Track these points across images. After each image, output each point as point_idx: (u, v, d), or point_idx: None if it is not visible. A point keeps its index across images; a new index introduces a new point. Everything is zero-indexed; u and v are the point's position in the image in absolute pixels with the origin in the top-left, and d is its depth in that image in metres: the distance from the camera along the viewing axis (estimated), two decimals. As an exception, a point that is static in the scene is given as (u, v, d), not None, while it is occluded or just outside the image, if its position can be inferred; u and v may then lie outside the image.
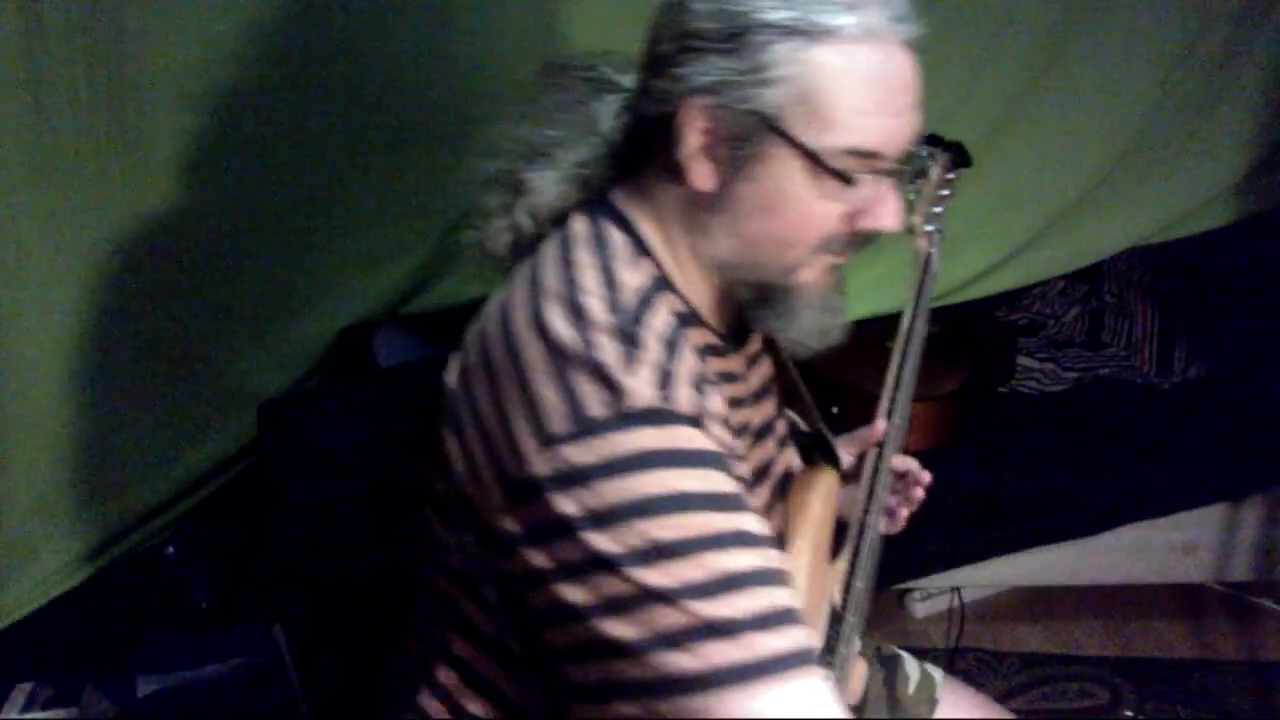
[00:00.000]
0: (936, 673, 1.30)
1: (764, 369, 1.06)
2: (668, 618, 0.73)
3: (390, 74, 1.47)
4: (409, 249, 1.65)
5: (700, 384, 0.82)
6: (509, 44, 1.50)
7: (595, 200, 0.92)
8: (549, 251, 0.89)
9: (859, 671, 1.20)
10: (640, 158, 0.92)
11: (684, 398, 0.80)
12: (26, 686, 1.78)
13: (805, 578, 0.99)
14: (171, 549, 1.83)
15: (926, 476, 1.21)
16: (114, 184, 1.42)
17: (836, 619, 1.05)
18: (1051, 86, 1.77)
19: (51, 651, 1.78)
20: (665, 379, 0.79)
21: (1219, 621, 2.38)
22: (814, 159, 0.83)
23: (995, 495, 2.21)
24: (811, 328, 0.92)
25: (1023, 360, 2.59)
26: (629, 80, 0.94)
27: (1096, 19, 1.74)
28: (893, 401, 1.18)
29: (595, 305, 0.82)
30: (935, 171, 1.44)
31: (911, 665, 1.31)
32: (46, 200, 1.40)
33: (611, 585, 0.75)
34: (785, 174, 0.84)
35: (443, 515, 0.92)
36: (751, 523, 0.78)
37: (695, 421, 0.80)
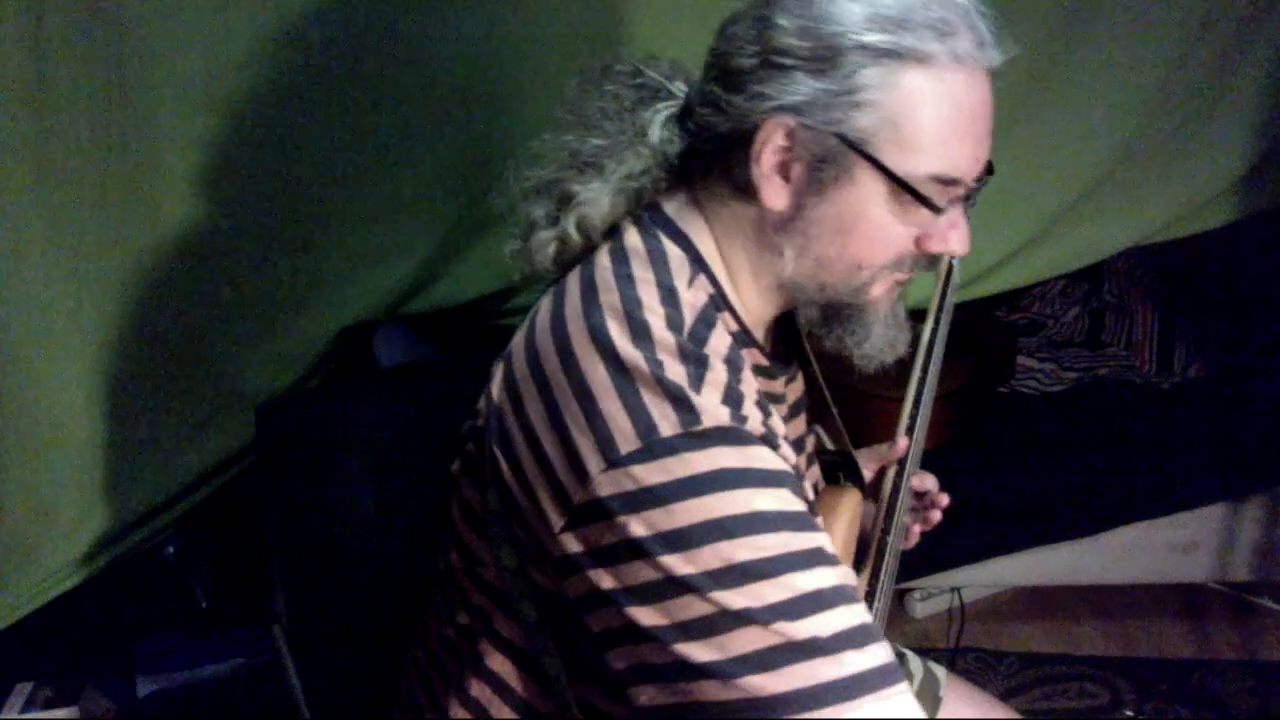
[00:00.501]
0: (940, 671, 1.30)
1: (798, 386, 1.06)
2: (755, 640, 0.72)
3: (391, 74, 1.47)
4: (409, 249, 1.65)
5: (764, 405, 0.82)
6: (510, 45, 1.50)
7: (649, 212, 0.91)
8: (603, 263, 0.87)
9: None
10: (698, 171, 0.91)
11: (753, 418, 0.79)
12: (26, 686, 1.78)
13: None
14: (171, 549, 1.83)
15: (945, 499, 1.21)
16: (114, 184, 1.42)
17: None
18: (1051, 86, 1.77)
19: (51, 651, 1.78)
20: (734, 399, 0.79)
21: (1219, 621, 2.38)
22: (901, 184, 0.83)
23: (995, 495, 2.21)
24: (880, 343, 0.92)
25: (1023, 360, 2.59)
26: (678, 87, 0.93)
27: (1097, 19, 1.74)
28: (913, 418, 1.15)
29: (657, 323, 0.81)
30: None
31: (915, 664, 1.30)
32: (47, 201, 1.40)
33: (690, 608, 0.73)
34: (866, 197, 0.84)
35: (477, 526, 0.91)
36: (825, 541, 0.78)
37: (766, 441, 0.79)
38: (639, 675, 0.77)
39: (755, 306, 0.92)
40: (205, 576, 1.89)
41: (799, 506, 0.77)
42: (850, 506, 1.06)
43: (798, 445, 1.03)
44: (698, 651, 0.73)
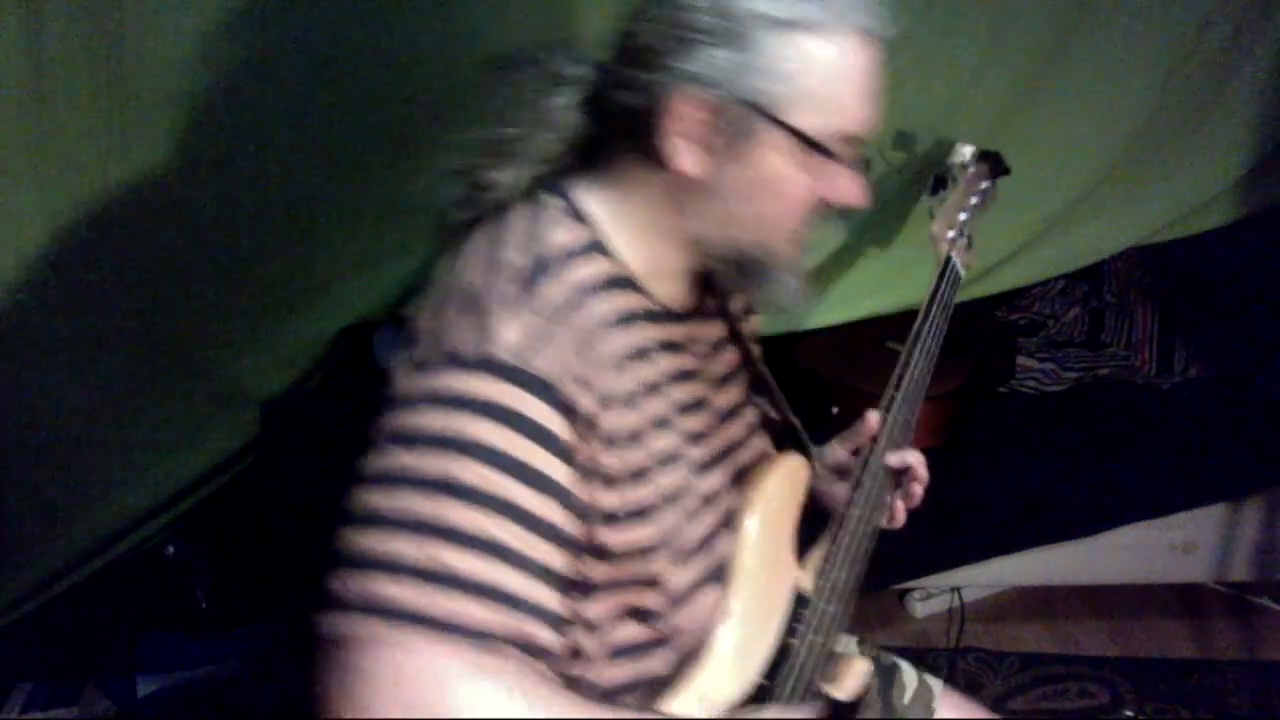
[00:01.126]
0: (935, 683, 1.30)
1: (729, 357, 1.10)
2: (410, 548, 0.78)
3: (392, 74, 1.47)
4: (409, 249, 1.65)
5: (592, 351, 0.87)
6: (513, 46, 1.50)
7: (550, 185, 0.96)
8: (490, 221, 0.94)
9: (856, 668, 1.19)
10: (606, 148, 0.96)
11: (548, 361, 0.84)
12: (26, 686, 1.78)
13: (752, 557, 1.03)
14: (171, 549, 1.83)
15: (925, 474, 1.22)
16: (114, 183, 1.42)
17: (802, 603, 1.07)
18: (1051, 86, 1.77)
19: (51, 651, 1.78)
20: (538, 338, 0.84)
21: (1219, 621, 2.38)
22: (808, 142, 0.90)
23: (995, 495, 2.21)
24: (785, 290, 0.98)
25: (1023, 360, 2.59)
26: (581, 71, 0.97)
27: (1097, 19, 1.74)
28: (892, 399, 1.20)
29: (511, 255, 0.89)
30: (963, 180, 1.44)
31: (910, 674, 1.30)
32: (47, 199, 1.39)
33: (390, 497, 0.80)
34: (775, 158, 0.90)
35: None
36: (539, 504, 0.82)
37: (546, 388, 0.83)
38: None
39: (658, 261, 0.97)
40: (205, 576, 1.89)
41: (531, 459, 0.82)
42: (788, 471, 1.09)
43: (730, 412, 1.08)
44: (355, 535, 0.80)
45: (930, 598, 2.39)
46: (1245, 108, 1.89)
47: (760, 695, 1.01)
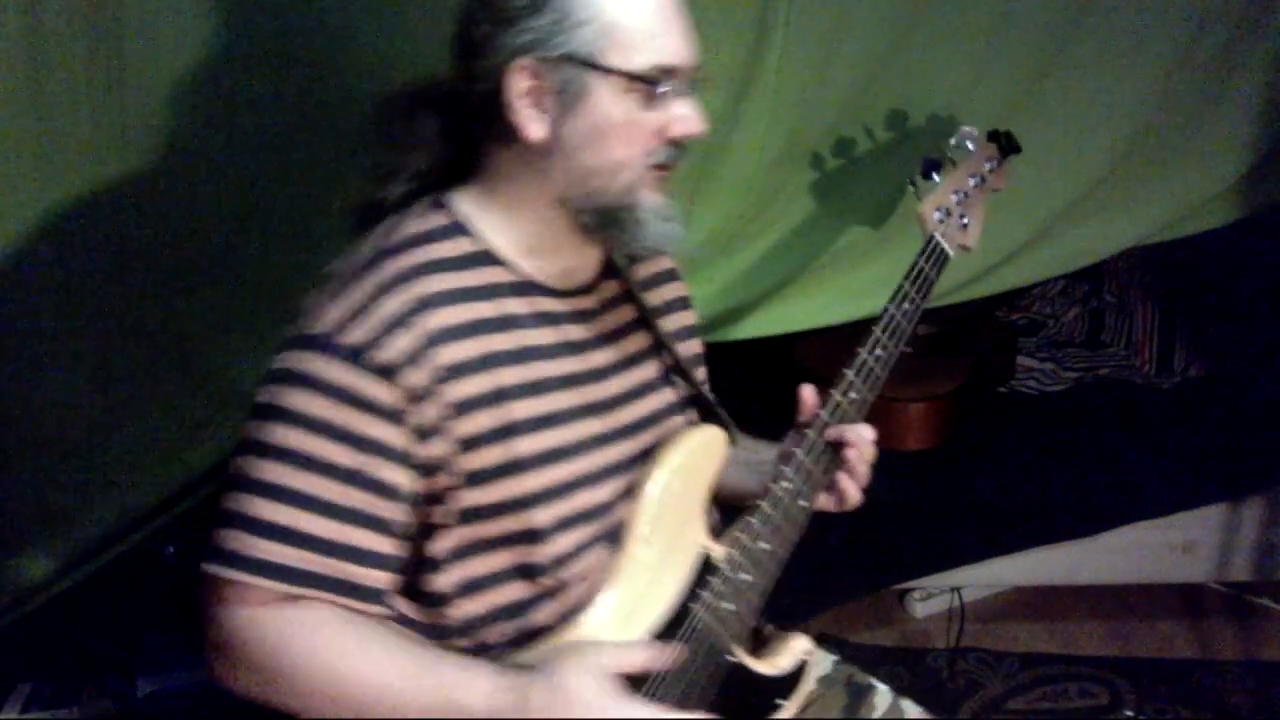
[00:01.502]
0: (912, 709, 1.29)
1: (639, 339, 1.17)
2: (234, 501, 0.96)
3: (393, 75, 1.47)
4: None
5: (415, 330, 0.97)
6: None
7: (419, 190, 1.08)
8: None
9: (792, 645, 1.20)
10: (476, 150, 1.07)
11: (364, 332, 0.96)
12: (26, 687, 1.78)
13: (649, 520, 1.08)
14: (171, 549, 1.83)
15: (870, 450, 1.20)
16: (114, 183, 1.41)
17: (710, 569, 1.11)
18: (1051, 87, 1.77)
19: (51, 651, 1.78)
20: (357, 312, 0.97)
21: (1219, 621, 2.38)
22: (631, 77, 0.99)
23: (995, 495, 2.21)
24: (656, 235, 1.05)
25: (1023, 360, 2.59)
26: (442, 80, 1.07)
27: (1096, 19, 1.74)
28: (847, 380, 1.21)
29: (365, 247, 1.03)
30: (961, 162, 1.44)
31: (883, 697, 1.29)
32: (46, 199, 1.39)
33: (240, 464, 0.97)
34: (607, 103, 1.00)
35: None
36: (350, 458, 0.95)
37: (359, 355, 0.95)
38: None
39: (529, 238, 1.06)
40: (205, 576, 1.88)
41: (352, 423, 0.95)
42: (697, 441, 1.14)
43: (640, 389, 1.14)
44: (229, 498, 0.97)
45: (930, 598, 2.39)
46: (1245, 108, 1.89)
47: None
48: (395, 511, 0.98)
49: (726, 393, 1.42)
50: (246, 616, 0.96)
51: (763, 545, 1.13)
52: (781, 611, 2.10)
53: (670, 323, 1.22)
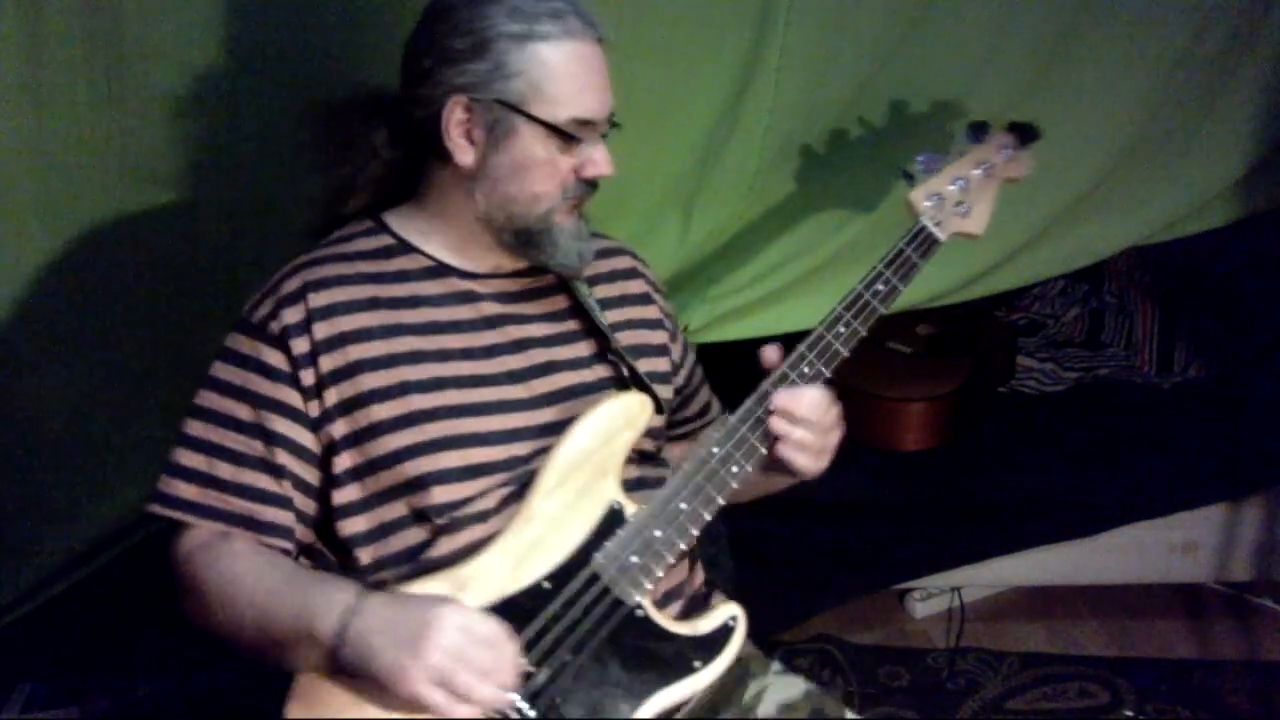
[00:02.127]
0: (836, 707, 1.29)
1: (571, 323, 1.26)
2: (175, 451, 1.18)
3: (393, 75, 1.47)
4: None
5: (309, 307, 1.15)
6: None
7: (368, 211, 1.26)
8: None
9: (720, 611, 1.21)
10: (417, 170, 1.22)
11: (268, 310, 1.16)
12: (26, 686, 1.78)
13: (556, 473, 1.17)
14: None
15: (801, 411, 1.19)
16: (114, 184, 1.42)
17: (617, 521, 1.17)
18: (1051, 86, 1.77)
19: (51, 651, 1.78)
20: (269, 295, 1.17)
21: (1219, 621, 2.38)
22: (548, 128, 1.14)
23: (995, 495, 2.21)
24: (570, 254, 1.20)
25: (1023, 360, 2.59)
26: (389, 102, 1.22)
27: (1096, 19, 1.74)
28: (799, 354, 1.24)
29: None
30: (965, 153, 1.43)
31: (791, 688, 1.30)
32: (46, 200, 1.40)
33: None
34: (529, 144, 1.15)
35: None
36: (254, 418, 1.14)
37: (262, 330, 1.15)
38: None
39: (454, 239, 1.22)
40: (205, 576, 1.88)
41: (251, 384, 1.15)
42: (616, 408, 1.21)
43: (547, 367, 1.23)
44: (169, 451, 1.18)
45: (930, 598, 2.39)
46: (1245, 108, 1.89)
47: (540, 594, 1.13)
48: (288, 460, 1.15)
49: (727, 392, 1.42)
50: (185, 551, 1.16)
51: (680, 505, 1.18)
52: (782, 611, 2.10)
53: (620, 314, 1.31)
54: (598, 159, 1.18)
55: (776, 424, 1.19)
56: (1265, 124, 1.90)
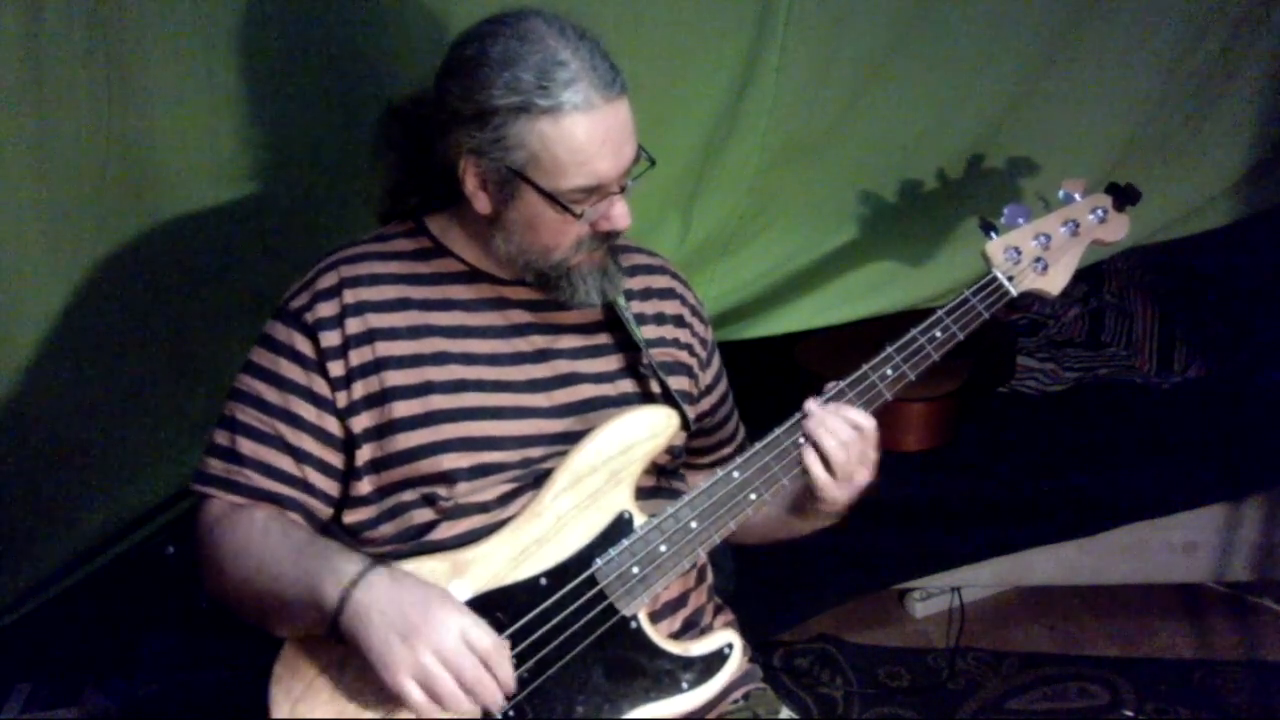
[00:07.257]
0: None
1: (603, 336, 1.27)
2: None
3: (393, 75, 1.47)
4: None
5: (345, 304, 1.19)
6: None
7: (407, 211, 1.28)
8: None
9: (717, 636, 1.22)
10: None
11: (303, 301, 1.19)
12: (26, 686, 1.78)
13: (569, 475, 1.18)
14: (171, 549, 1.83)
15: (834, 424, 1.19)
16: (114, 184, 1.42)
17: (624, 530, 1.18)
18: (1052, 87, 1.77)
19: (51, 651, 1.78)
20: (305, 287, 1.20)
21: (1219, 621, 2.38)
22: (551, 198, 1.12)
23: (995, 495, 2.21)
24: (590, 293, 1.20)
25: (1023, 360, 2.59)
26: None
27: (1097, 19, 1.74)
28: (840, 391, 1.23)
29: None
30: (1062, 207, 1.39)
31: None
32: (46, 200, 1.40)
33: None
34: (536, 206, 1.14)
35: None
36: (275, 393, 1.18)
37: (298, 320, 1.18)
38: None
39: (489, 253, 1.22)
40: (205, 576, 1.88)
41: (281, 369, 1.18)
42: (640, 419, 1.22)
43: (539, 356, 1.23)
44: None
45: (930, 598, 2.39)
46: (1245, 108, 1.89)
47: (535, 589, 1.14)
48: (311, 444, 1.17)
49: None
50: (208, 522, 1.18)
51: (691, 524, 1.18)
52: (782, 611, 2.10)
53: (652, 332, 1.30)
54: (613, 215, 1.16)
55: (809, 425, 1.18)
56: (1265, 124, 1.90)
